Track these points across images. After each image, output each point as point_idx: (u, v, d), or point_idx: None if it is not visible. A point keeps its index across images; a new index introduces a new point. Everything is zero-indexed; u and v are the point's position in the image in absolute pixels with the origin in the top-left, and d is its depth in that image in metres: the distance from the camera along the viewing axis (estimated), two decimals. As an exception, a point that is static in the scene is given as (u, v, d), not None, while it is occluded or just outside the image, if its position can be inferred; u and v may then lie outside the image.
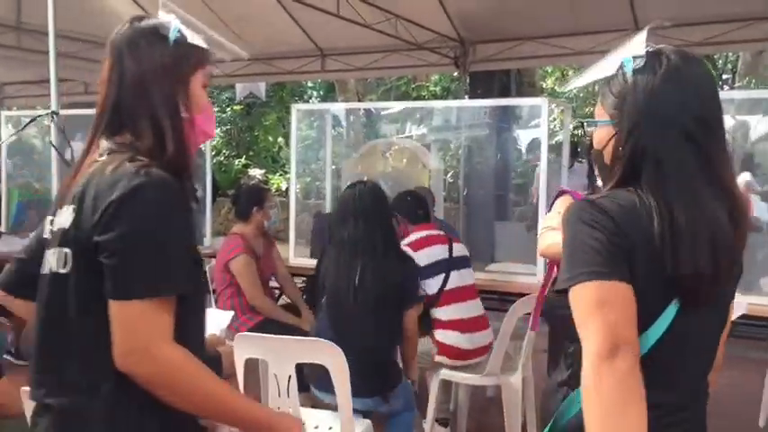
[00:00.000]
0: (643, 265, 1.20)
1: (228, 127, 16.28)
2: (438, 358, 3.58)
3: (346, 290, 2.83)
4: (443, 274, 3.56)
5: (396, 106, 11.07)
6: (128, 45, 1.43)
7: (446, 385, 3.77)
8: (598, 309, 1.16)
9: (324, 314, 2.94)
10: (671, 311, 1.23)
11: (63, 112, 9.62)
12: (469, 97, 8.26)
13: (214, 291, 4.02)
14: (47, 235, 1.43)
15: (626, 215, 1.22)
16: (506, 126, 8.24)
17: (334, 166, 5.73)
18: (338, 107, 5.66)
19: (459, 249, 3.67)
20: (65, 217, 1.34)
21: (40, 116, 3.51)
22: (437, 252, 3.57)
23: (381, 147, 7.82)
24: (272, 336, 2.55)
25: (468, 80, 7.71)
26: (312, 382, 2.88)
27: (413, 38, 6.82)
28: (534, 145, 9.78)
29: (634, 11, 6.08)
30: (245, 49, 5.98)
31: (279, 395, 2.50)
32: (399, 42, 6.97)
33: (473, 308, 3.60)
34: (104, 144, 1.39)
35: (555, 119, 13.26)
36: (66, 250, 1.32)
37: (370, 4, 6.11)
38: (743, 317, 3.49)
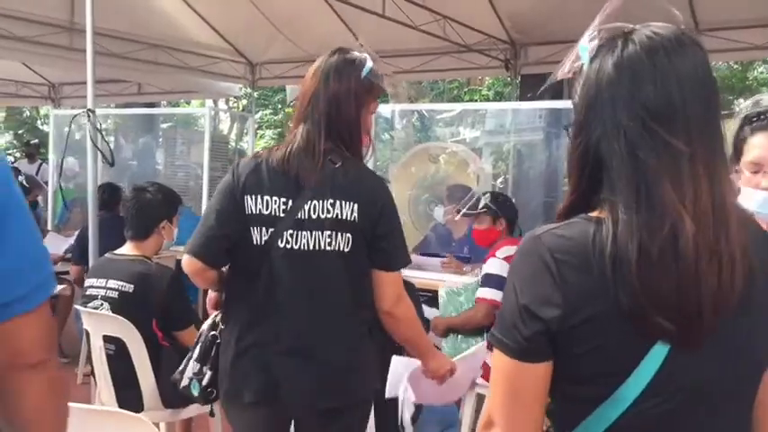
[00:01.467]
0: (600, 308, 0.99)
1: (281, 129, 16.40)
2: (480, 381, 3.43)
3: None
4: None
5: (442, 108, 10.92)
6: (334, 70, 1.88)
7: (481, 399, 3.63)
8: (498, 382, 1.07)
9: None
10: (657, 355, 0.99)
11: (116, 111, 9.78)
12: (520, 101, 8.07)
13: None
14: (264, 212, 1.82)
15: (571, 257, 1.00)
16: (557, 131, 8.02)
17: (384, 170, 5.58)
18: (384, 109, 5.55)
19: None
20: (340, 210, 1.82)
21: (76, 115, 3.53)
22: None
23: (430, 150, 7.68)
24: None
25: (519, 83, 7.53)
26: None
27: (462, 40, 6.69)
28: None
29: (693, 12, 5.83)
30: (294, 52, 5.96)
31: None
32: (448, 44, 6.85)
33: None
34: (327, 145, 1.85)
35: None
36: (348, 235, 1.83)
37: (416, 4, 6.00)
38: None
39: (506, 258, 3.37)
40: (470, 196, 4.43)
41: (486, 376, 3.42)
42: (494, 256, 3.43)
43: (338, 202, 1.83)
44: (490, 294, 3.35)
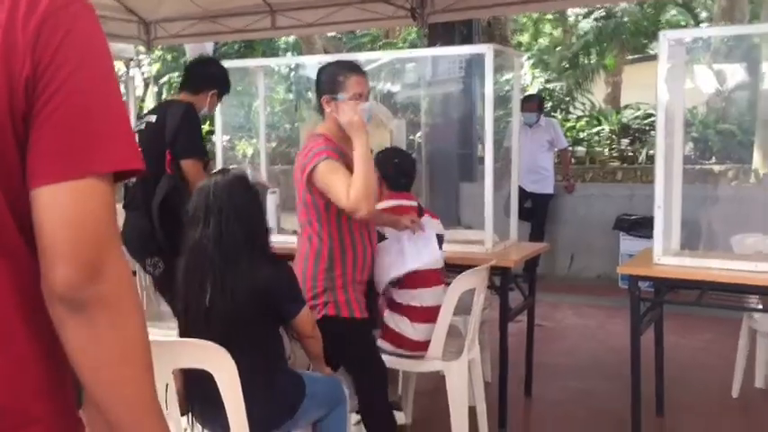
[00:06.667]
0: None
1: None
2: (380, 342, 3.22)
3: (196, 314, 2.33)
4: None
5: (364, 58, 10.50)
6: None
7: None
8: None
9: None
10: None
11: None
12: (429, 51, 7.76)
13: None
14: None
15: None
16: (470, 80, 7.78)
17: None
18: (268, 62, 5.08)
19: (427, 226, 3.26)
20: None
21: None
22: None
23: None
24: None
25: (426, 33, 7.24)
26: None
27: (363, -12, 6.32)
28: (505, 99, 9.37)
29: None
30: (188, 7, 5.60)
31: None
32: (351, -6, 6.49)
33: (430, 296, 3.18)
34: None
35: (526, 72, 12.81)
36: None
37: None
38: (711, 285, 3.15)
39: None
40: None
41: (385, 337, 3.21)
42: None
43: None
44: None
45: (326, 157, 2.68)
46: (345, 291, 2.84)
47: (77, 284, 0.86)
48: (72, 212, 0.86)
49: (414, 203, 3.37)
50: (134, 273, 3.76)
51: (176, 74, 16.14)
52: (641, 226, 6.28)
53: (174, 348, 2.11)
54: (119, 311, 0.90)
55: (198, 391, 2.27)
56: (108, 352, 0.90)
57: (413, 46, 13.98)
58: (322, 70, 2.88)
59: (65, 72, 0.86)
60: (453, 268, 3.43)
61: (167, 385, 2.09)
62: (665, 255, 3.25)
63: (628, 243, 6.49)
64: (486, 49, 3.48)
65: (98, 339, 0.89)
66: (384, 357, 3.21)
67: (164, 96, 16.82)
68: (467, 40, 7.66)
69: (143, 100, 14.65)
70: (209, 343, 2.07)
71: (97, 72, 0.90)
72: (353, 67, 2.85)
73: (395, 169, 3.34)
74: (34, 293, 0.89)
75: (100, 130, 0.89)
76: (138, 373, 0.93)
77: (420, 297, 3.19)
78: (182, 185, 3.39)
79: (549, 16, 14.86)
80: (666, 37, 3.07)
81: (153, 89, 16.63)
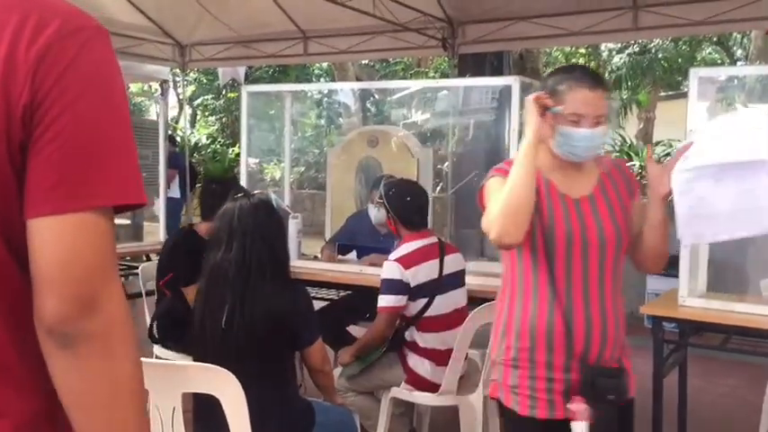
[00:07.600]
0: None
1: (222, 115, 15.90)
2: (405, 386, 3.18)
3: (212, 335, 2.33)
4: (426, 299, 3.12)
5: (395, 87, 10.57)
6: None
7: (397, 402, 3.37)
8: None
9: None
10: None
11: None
12: (459, 82, 7.77)
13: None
14: None
15: None
16: (500, 111, 7.77)
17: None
18: (297, 88, 5.08)
19: (452, 263, 3.21)
20: None
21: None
22: (426, 271, 3.13)
23: (367, 135, 7.38)
24: (153, 361, 2.15)
25: (456, 64, 7.25)
26: None
27: (394, 17, 6.36)
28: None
29: (632, -13, 5.60)
30: (223, 32, 5.60)
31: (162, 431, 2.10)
32: (382, 23, 6.52)
33: (453, 338, 3.10)
34: None
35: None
36: None
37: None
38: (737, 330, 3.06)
39: (398, 260, 3.12)
40: (377, 182, 4.15)
41: (410, 381, 3.17)
42: (387, 259, 3.20)
43: None
44: (386, 302, 3.10)
45: (494, 175, 2.06)
46: (515, 372, 2.00)
47: (66, 318, 0.83)
48: (66, 245, 0.83)
49: (433, 240, 3.26)
50: (139, 295, 3.79)
51: (210, 96, 16.43)
52: (669, 264, 6.14)
53: (181, 372, 2.09)
54: (109, 350, 0.86)
55: (205, 416, 2.25)
56: (96, 392, 0.86)
57: (444, 75, 14.04)
58: (550, 74, 2.12)
59: (66, 100, 0.83)
60: (476, 301, 3.38)
61: (174, 409, 2.07)
62: (690, 296, 3.17)
63: (655, 281, 6.36)
64: (512, 81, 3.46)
65: (85, 378, 0.86)
66: (395, 390, 3.18)
67: (198, 118, 17.15)
68: (497, 71, 7.67)
69: (177, 121, 14.88)
70: (217, 367, 2.05)
71: (102, 101, 0.86)
72: (582, 78, 1.97)
73: (407, 208, 3.25)
74: (30, 323, 0.86)
75: (100, 161, 0.85)
76: (129, 417, 0.89)
77: (443, 340, 3.14)
78: (179, 307, 3.44)
79: (582, 50, 14.84)
80: (697, 74, 3.03)
81: (187, 110, 16.95)
